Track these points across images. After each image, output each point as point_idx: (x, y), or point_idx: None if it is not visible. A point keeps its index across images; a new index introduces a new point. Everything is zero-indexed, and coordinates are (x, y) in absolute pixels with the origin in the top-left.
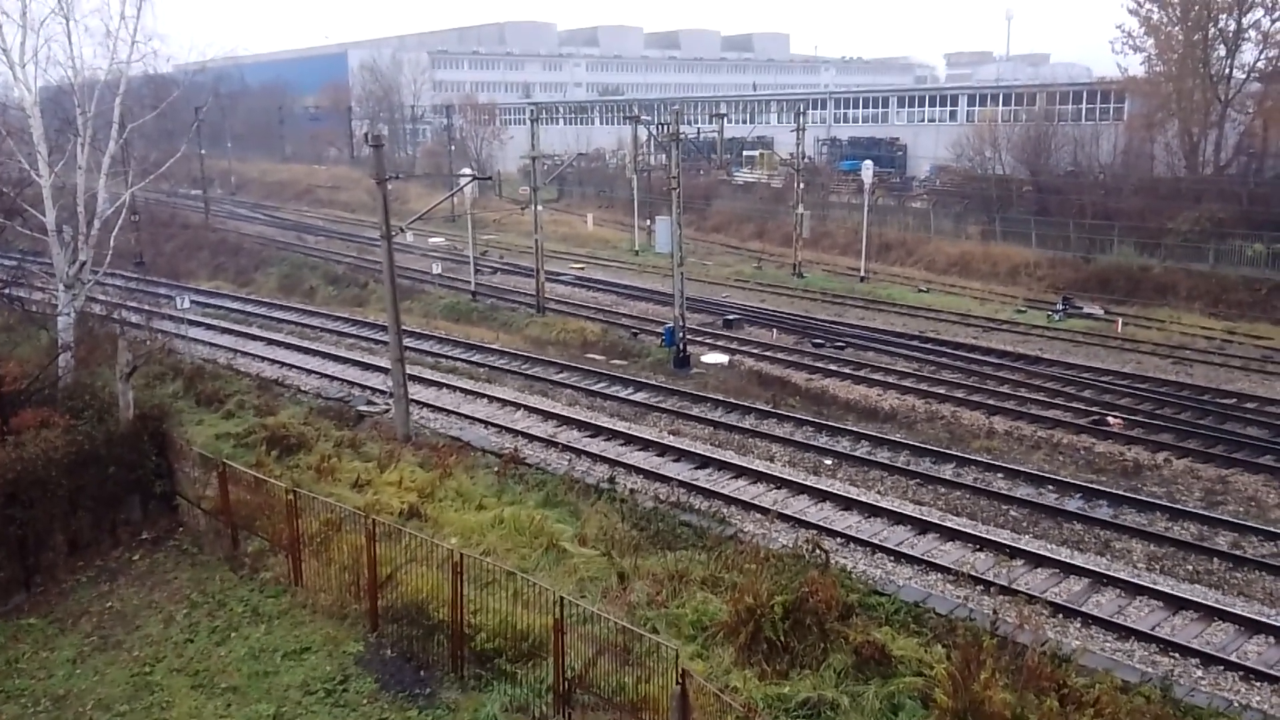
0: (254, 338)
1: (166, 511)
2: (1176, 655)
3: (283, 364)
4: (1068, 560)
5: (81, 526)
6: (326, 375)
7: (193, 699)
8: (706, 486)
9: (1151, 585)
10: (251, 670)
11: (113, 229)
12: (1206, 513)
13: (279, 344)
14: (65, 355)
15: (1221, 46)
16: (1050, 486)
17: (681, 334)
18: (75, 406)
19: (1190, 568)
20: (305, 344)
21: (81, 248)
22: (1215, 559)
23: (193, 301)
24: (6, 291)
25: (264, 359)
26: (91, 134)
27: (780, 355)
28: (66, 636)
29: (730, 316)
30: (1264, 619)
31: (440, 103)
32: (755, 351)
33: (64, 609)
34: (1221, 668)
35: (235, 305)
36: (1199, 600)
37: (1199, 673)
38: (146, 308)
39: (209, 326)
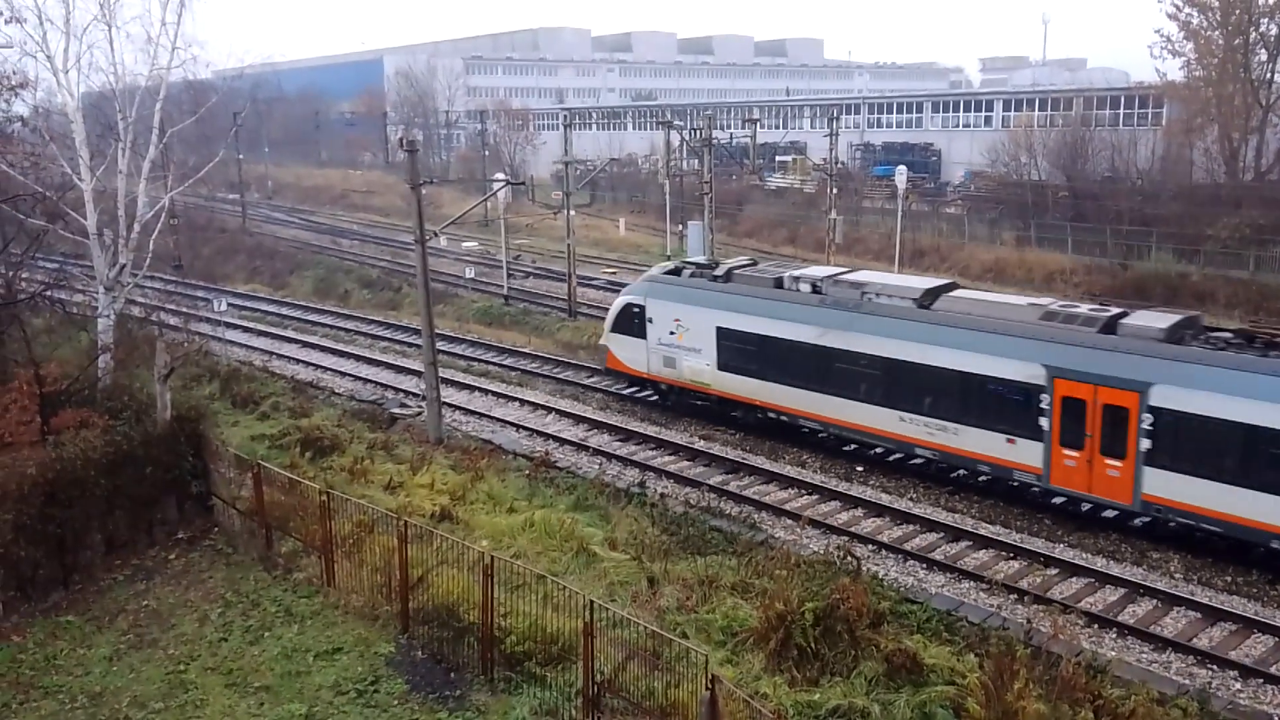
0: (289, 340)
1: (202, 512)
2: (1214, 667)
3: (317, 366)
4: (1103, 570)
5: (119, 526)
6: (360, 378)
7: (226, 698)
8: (737, 492)
9: (1189, 596)
10: (284, 670)
11: (152, 232)
12: None
13: (314, 347)
14: (104, 357)
15: (1263, 51)
16: None
17: None
18: (114, 407)
19: (1229, 579)
20: (339, 347)
21: (121, 251)
22: (1254, 570)
23: (229, 304)
24: (48, 294)
25: (299, 361)
26: (132, 139)
27: None
28: (103, 634)
29: None
30: None
31: (474, 108)
32: None
33: (101, 607)
34: (1261, 680)
35: (271, 308)
36: (1238, 612)
37: (1237, 685)
38: (184, 310)
39: (245, 329)
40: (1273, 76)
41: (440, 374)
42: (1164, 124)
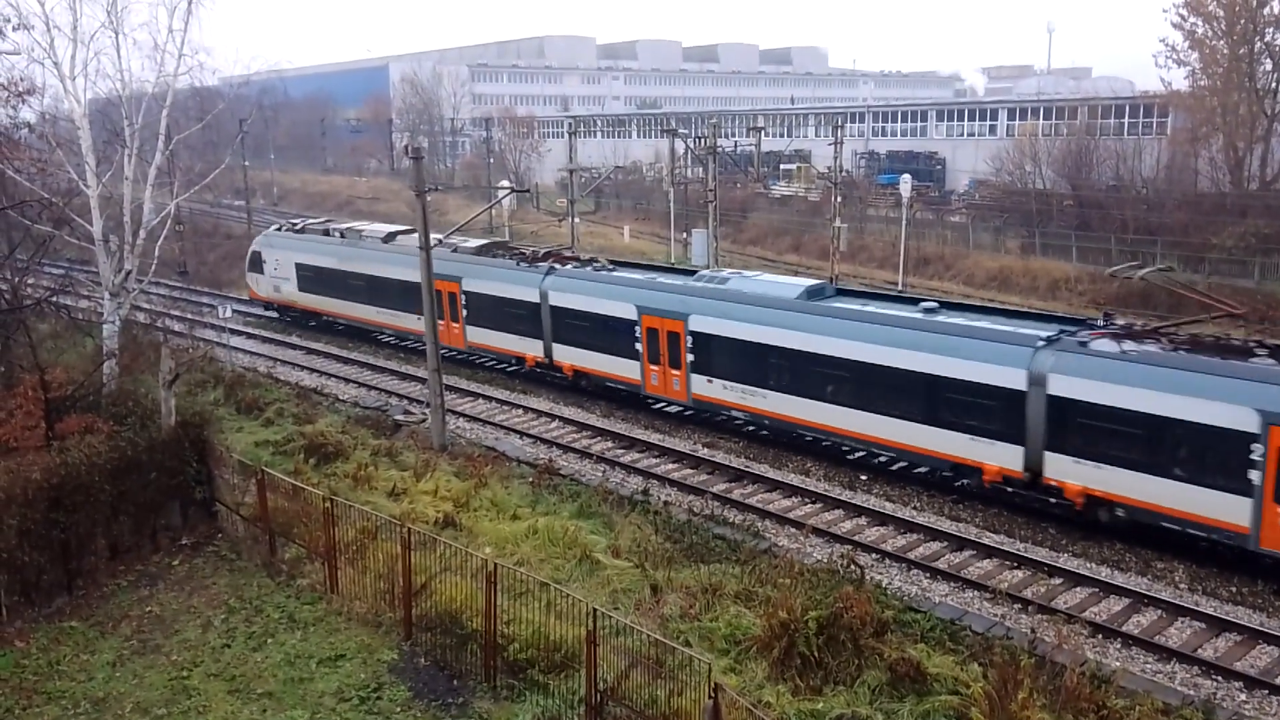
0: (293, 347)
1: (206, 518)
2: (1219, 678)
3: (321, 373)
4: (1107, 580)
5: (123, 531)
6: (364, 384)
7: (229, 704)
8: (741, 500)
9: (1194, 607)
10: (287, 676)
11: (158, 239)
12: None
13: (318, 353)
14: (110, 362)
15: (1268, 61)
16: None
17: None
18: (119, 413)
19: (1234, 589)
20: (343, 353)
21: (127, 257)
22: (1259, 580)
23: (234, 310)
24: (54, 299)
25: (303, 368)
26: (138, 145)
27: None
28: (106, 640)
29: None
30: None
31: (479, 115)
32: None
33: (104, 612)
34: (1266, 691)
35: (275, 314)
36: (1243, 622)
37: (1242, 696)
38: (189, 316)
39: (250, 335)
40: (1278, 86)
41: (444, 380)
42: (1169, 133)
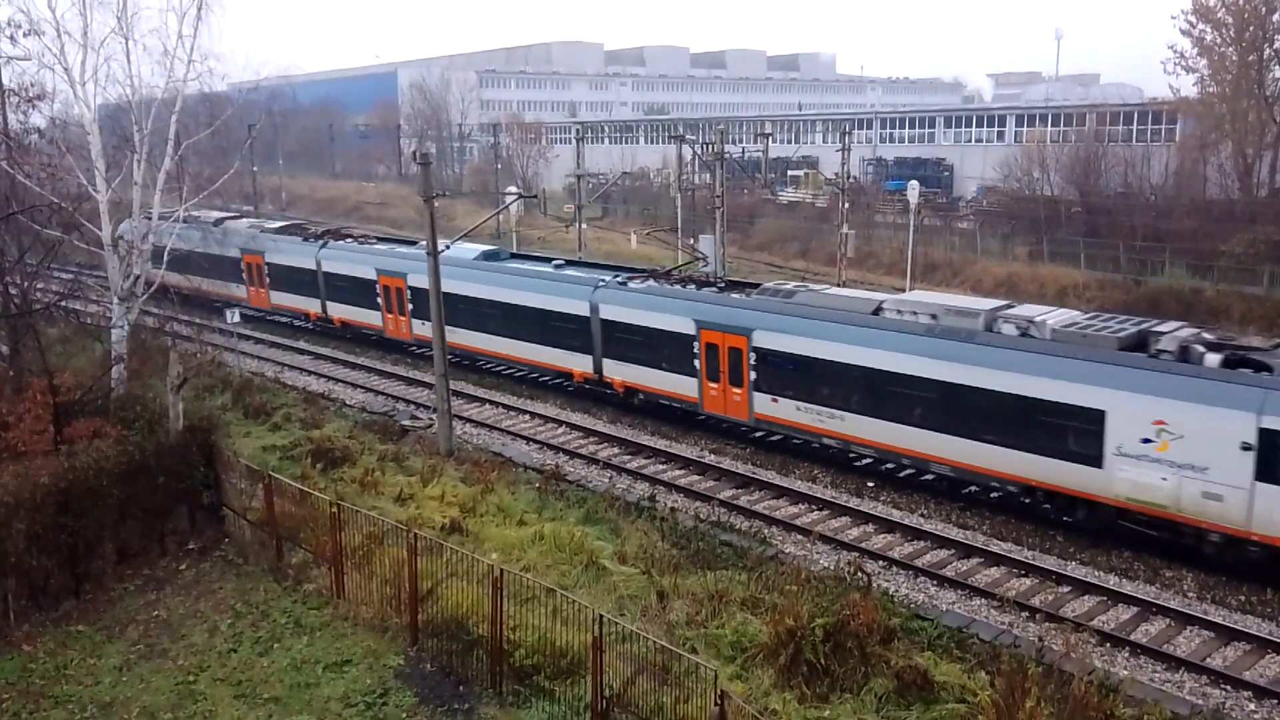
0: (301, 352)
1: (213, 522)
2: (1228, 688)
3: (329, 378)
4: (1116, 588)
5: (130, 535)
6: (372, 390)
7: (235, 709)
8: (747, 506)
9: (1202, 615)
10: (293, 681)
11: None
12: None
13: (325, 358)
14: (118, 367)
15: (1277, 68)
16: None
17: None
18: (127, 417)
19: (1243, 598)
20: (351, 359)
21: (136, 262)
22: (1269, 589)
23: (242, 315)
24: (63, 304)
25: (310, 373)
26: (148, 151)
27: None
28: (113, 644)
29: None
30: None
31: (487, 121)
32: None
33: (111, 617)
34: (1275, 701)
35: (283, 319)
36: (1252, 631)
37: (1251, 706)
38: (197, 321)
39: (257, 340)
40: None
41: (451, 386)
42: (1178, 140)
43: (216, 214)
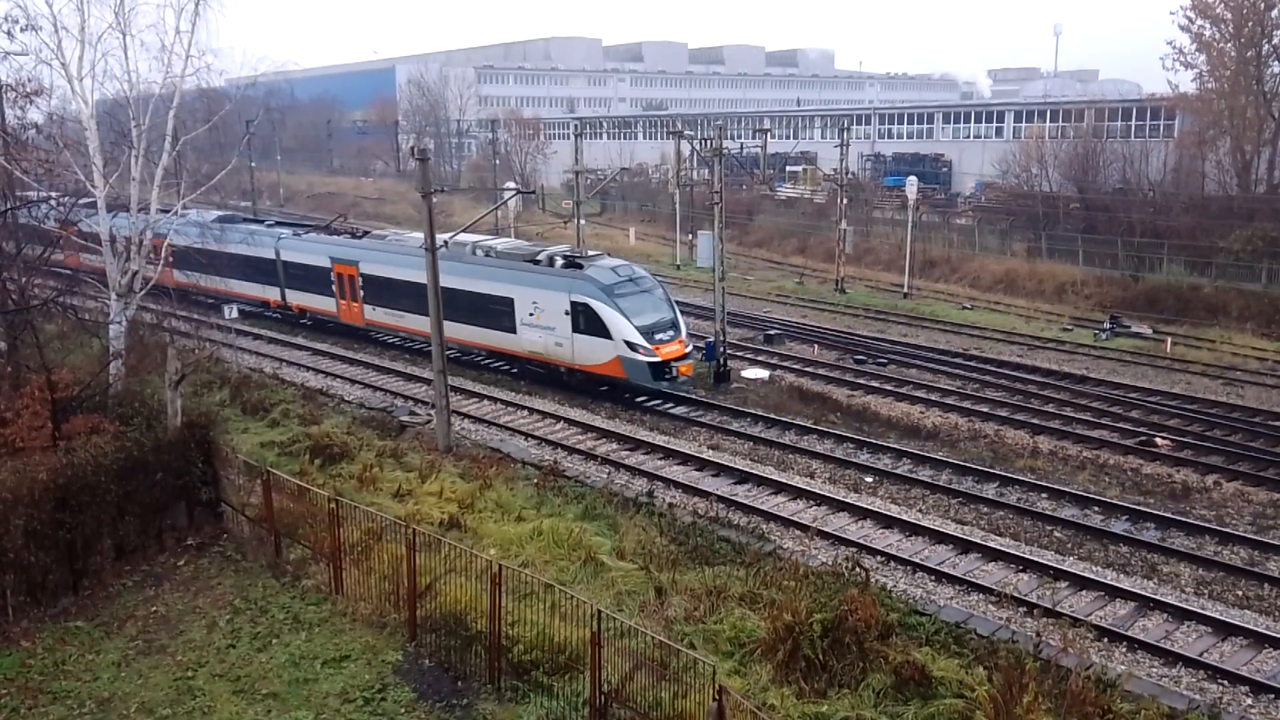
0: (299, 347)
1: (211, 518)
2: (1226, 683)
3: (327, 374)
4: (1113, 583)
5: (128, 531)
6: (370, 385)
7: (233, 704)
8: (746, 502)
9: (1200, 610)
10: (291, 677)
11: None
12: (1258, 537)
13: (324, 354)
14: (116, 363)
15: (1275, 64)
16: (1096, 508)
17: (722, 348)
18: (125, 413)
19: (1240, 593)
20: (349, 354)
21: (134, 258)
22: (1266, 584)
23: (240, 311)
24: (60, 300)
25: (309, 369)
26: (145, 146)
27: (821, 371)
28: (112, 640)
29: (771, 331)
30: None
31: (485, 117)
32: (796, 367)
33: (110, 613)
34: (1273, 696)
35: (281, 315)
36: (1249, 626)
37: (1249, 701)
38: (195, 317)
39: (256, 336)
40: None
41: (449, 381)
42: (1176, 136)
43: (216, 212)
